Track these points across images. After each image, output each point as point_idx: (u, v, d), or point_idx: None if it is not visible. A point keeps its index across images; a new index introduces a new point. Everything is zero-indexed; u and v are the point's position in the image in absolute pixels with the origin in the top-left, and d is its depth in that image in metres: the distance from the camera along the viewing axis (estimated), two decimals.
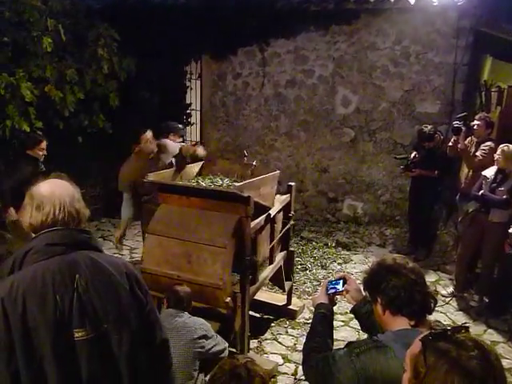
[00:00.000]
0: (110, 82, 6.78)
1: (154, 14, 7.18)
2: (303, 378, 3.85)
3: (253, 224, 3.69)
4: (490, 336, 4.65)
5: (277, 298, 5.03)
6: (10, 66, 5.53)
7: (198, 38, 7.43)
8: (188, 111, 8.13)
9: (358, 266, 6.14)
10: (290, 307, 4.90)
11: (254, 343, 4.35)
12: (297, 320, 4.83)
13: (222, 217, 3.62)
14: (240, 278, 3.77)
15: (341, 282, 2.29)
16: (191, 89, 8.22)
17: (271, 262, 4.37)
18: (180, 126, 6.00)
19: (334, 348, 2.06)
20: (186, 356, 3.12)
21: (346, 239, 6.93)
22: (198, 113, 8.43)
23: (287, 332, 4.64)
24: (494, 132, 5.68)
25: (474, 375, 1.21)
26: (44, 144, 5.19)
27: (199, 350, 3.18)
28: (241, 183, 3.72)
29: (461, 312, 5.07)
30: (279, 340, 4.49)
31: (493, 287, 5.07)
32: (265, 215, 3.98)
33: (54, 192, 1.73)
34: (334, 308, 2.30)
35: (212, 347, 3.29)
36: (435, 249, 6.44)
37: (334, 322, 2.30)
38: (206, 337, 3.25)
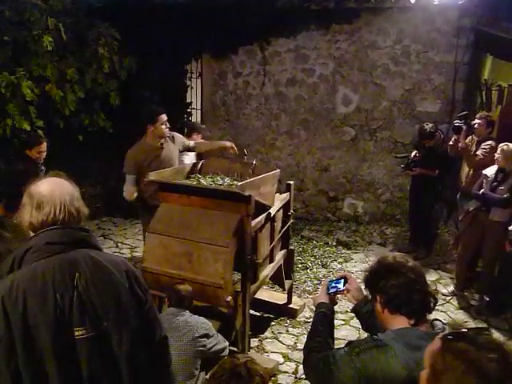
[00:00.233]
0: (110, 81, 6.78)
1: (154, 12, 7.17)
2: (303, 376, 3.86)
3: (253, 223, 3.70)
4: None
5: (277, 296, 5.03)
6: (10, 64, 5.53)
7: (199, 37, 7.42)
8: (188, 110, 8.12)
9: (358, 264, 6.14)
10: (291, 306, 4.90)
11: (254, 342, 4.35)
12: (297, 319, 4.83)
13: (223, 216, 3.62)
14: (241, 276, 3.77)
15: (342, 281, 2.29)
16: (192, 88, 8.22)
17: (271, 261, 4.37)
18: (203, 126, 6.10)
19: (335, 347, 2.06)
20: (187, 355, 3.12)
21: (346, 238, 6.93)
22: (199, 112, 8.43)
23: (288, 331, 4.64)
24: (494, 131, 5.68)
25: (490, 377, 1.20)
26: (44, 146, 5.07)
27: (201, 348, 3.19)
28: (242, 182, 3.71)
29: (461, 311, 5.07)
30: (280, 339, 4.50)
31: (493, 286, 5.07)
32: (265, 214, 3.98)
33: (54, 191, 1.73)
34: (335, 307, 2.31)
35: (213, 346, 3.29)
36: (436, 248, 6.45)
37: (335, 321, 2.31)
38: (207, 335, 3.26)
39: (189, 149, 5.14)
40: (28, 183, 1.77)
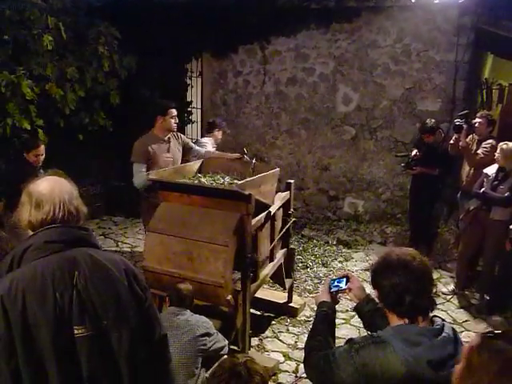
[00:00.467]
0: (110, 80, 6.78)
1: (154, 11, 7.16)
2: (304, 375, 3.86)
3: (253, 222, 3.70)
4: None
5: (277, 295, 5.03)
6: (10, 64, 5.52)
7: (199, 36, 7.42)
8: (189, 109, 8.12)
9: (358, 263, 6.14)
10: (291, 305, 4.90)
11: (254, 341, 4.35)
12: (297, 318, 4.83)
13: (223, 215, 3.63)
14: (241, 275, 3.77)
15: (344, 280, 2.29)
16: (192, 87, 8.22)
17: (272, 260, 4.37)
18: (224, 123, 6.23)
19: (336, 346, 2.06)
20: (188, 354, 3.12)
21: (346, 237, 6.93)
22: (199, 111, 8.43)
23: (288, 330, 4.64)
24: (495, 130, 5.67)
25: None
26: (41, 149, 4.84)
27: (202, 347, 3.19)
28: (242, 181, 3.72)
29: (461, 310, 5.07)
30: (280, 338, 4.50)
31: (494, 285, 5.07)
32: (265, 213, 3.98)
33: (54, 190, 1.73)
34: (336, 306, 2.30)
35: (213, 344, 3.29)
36: (436, 246, 6.44)
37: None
38: (208, 334, 3.26)
39: (198, 155, 5.13)
40: (26, 182, 1.76)
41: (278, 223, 4.46)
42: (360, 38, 7.05)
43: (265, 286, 4.94)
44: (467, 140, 5.41)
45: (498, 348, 1.25)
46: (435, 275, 5.79)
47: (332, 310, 2.18)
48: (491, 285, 5.09)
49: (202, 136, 8.43)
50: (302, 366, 4.05)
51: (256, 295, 4.26)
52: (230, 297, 3.56)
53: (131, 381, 1.69)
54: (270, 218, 4.15)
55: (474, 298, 5.30)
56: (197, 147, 5.26)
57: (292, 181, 4.74)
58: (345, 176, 7.58)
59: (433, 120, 6.02)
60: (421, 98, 6.91)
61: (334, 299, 2.27)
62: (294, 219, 4.80)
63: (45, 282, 1.59)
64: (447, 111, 6.73)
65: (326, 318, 2.13)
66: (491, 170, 4.91)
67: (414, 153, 6.11)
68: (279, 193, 4.56)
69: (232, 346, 3.75)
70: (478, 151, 5.26)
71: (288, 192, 4.62)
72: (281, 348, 4.34)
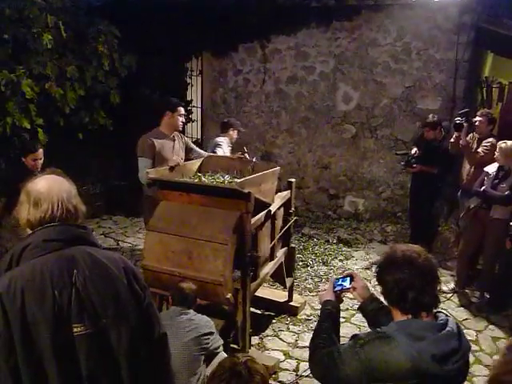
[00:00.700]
0: (110, 79, 6.77)
1: (154, 10, 7.16)
2: (304, 374, 3.87)
3: (253, 220, 3.70)
4: (490, 332, 4.65)
5: (278, 294, 5.03)
6: (10, 62, 5.51)
7: (199, 35, 7.41)
8: (189, 108, 8.12)
9: (359, 262, 6.14)
10: (291, 304, 4.90)
11: (255, 339, 4.35)
12: (298, 316, 4.83)
13: (222, 213, 3.62)
14: (241, 274, 3.77)
15: (348, 279, 2.30)
16: (192, 85, 8.21)
17: (272, 259, 4.37)
18: (238, 122, 6.19)
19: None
20: (191, 352, 3.12)
21: (347, 236, 6.93)
22: (199, 110, 8.42)
23: (288, 328, 4.64)
24: (495, 128, 5.67)
25: None
26: (39, 153, 4.60)
27: (205, 346, 3.20)
28: (242, 179, 3.72)
29: (462, 308, 5.07)
30: (280, 336, 4.50)
31: (494, 283, 5.07)
32: (265, 211, 3.98)
33: (52, 188, 1.72)
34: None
35: (214, 344, 3.30)
36: (436, 245, 6.44)
37: None
38: (211, 334, 3.27)
39: (198, 156, 5.09)
40: (25, 181, 1.76)
41: (279, 222, 4.46)
42: (360, 37, 7.04)
43: (265, 285, 4.94)
44: (467, 138, 5.40)
45: None
46: None
47: (336, 309, 2.19)
48: (491, 283, 5.10)
49: (202, 135, 8.47)
50: (302, 364, 4.06)
51: (256, 294, 4.26)
52: (229, 295, 3.56)
53: (131, 379, 1.69)
54: (271, 216, 4.15)
55: (474, 296, 5.30)
56: (197, 149, 5.24)
57: (293, 180, 4.73)
58: (345, 175, 7.58)
59: (436, 116, 6.02)
60: (421, 96, 6.91)
61: (338, 298, 2.28)
62: (295, 218, 4.80)
63: (44, 280, 1.59)
64: (447, 110, 6.73)
65: (330, 317, 2.14)
66: (492, 169, 4.91)
67: (413, 151, 6.11)
68: (279, 192, 4.56)
69: (232, 345, 3.76)
70: (479, 150, 5.25)
71: (289, 191, 4.62)
72: (281, 346, 4.34)
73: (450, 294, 5.27)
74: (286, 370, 4.01)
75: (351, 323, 4.69)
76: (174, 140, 4.92)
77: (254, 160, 4.67)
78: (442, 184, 6.11)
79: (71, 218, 1.73)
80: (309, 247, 6.54)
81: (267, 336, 4.49)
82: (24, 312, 1.55)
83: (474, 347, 4.20)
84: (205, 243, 3.55)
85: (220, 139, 5.78)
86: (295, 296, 5.01)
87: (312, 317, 4.80)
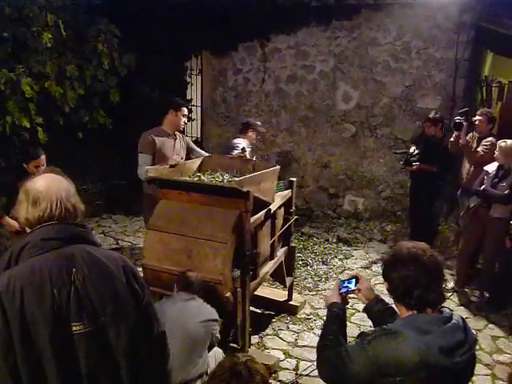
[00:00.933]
0: (110, 78, 6.77)
1: (154, 9, 7.16)
2: (304, 373, 3.87)
3: (253, 219, 3.69)
4: (490, 331, 4.65)
5: (278, 293, 5.03)
6: (9, 61, 5.51)
7: (199, 34, 7.41)
8: (189, 107, 8.12)
9: (358, 261, 6.14)
10: (291, 303, 4.89)
11: (254, 339, 4.34)
12: (298, 315, 4.82)
13: (222, 212, 3.62)
14: (241, 273, 3.76)
15: (353, 280, 2.31)
16: (192, 84, 8.21)
17: (272, 258, 4.36)
18: (259, 123, 6.07)
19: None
20: (201, 333, 3.12)
21: (346, 235, 6.94)
22: (199, 109, 8.42)
23: (288, 327, 4.63)
24: (495, 127, 5.67)
25: None
26: (42, 160, 4.37)
27: (213, 331, 3.22)
28: (241, 178, 3.71)
29: (461, 307, 5.06)
30: (280, 335, 4.49)
31: (493, 282, 5.07)
32: (265, 210, 3.97)
33: (50, 187, 1.72)
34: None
35: (217, 332, 3.31)
36: (436, 244, 6.43)
37: None
38: (216, 321, 3.28)
39: (199, 157, 5.08)
40: (24, 180, 1.76)
41: (279, 221, 4.45)
42: (360, 36, 7.04)
43: (265, 284, 4.94)
44: (467, 138, 5.40)
45: None
46: None
47: (342, 311, 2.22)
48: (491, 282, 5.10)
49: (202, 134, 8.47)
50: (302, 363, 4.06)
51: (256, 293, 4.25)
52: (229, 294, 3.56)
53: (130, 377, 1.69)
54: (271, 215, 4.15)
55: (473, 295, 5.30)
56: (198, 149, 5.24)
57: (294, 179, 4.73)
58: (345, 174, 7.58)
59: (438, 112, 6.01)
60: (421, 95, 6.90)
61: (344, 300, 2.29)
62: (296, 217, 4.80)
63: (42, 279, 1.59)
64: (447, 109, 6.73)
65: (336, 319, 2.16)
66: (491, 168, 4.91)
67: (412, 149, 6.11)
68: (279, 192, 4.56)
69: (232, 344, 3.75)
70: (478, 149, 5.25)
71: (290, 190, 4.62)
72: (281, 346, 4.34)
73: (450, 293, 5.26)
74: (286, 369, 4.01)
75: (351, 322, 4.68)
76: (176, 139, 4.93)
77: (254, 159, 4.66)
78: (441, 183, 6.10)
79: (70, 217, 1.73)
80: (308, 246, 6.54)
81: (267, 335, 4.49)
82: (23, 311, 1.55)
83: None
84: (204, 242, 3.55)
85: (237, 141, 5.59)
86: (295, 295, 5.01)
87: (312, 316, 4.80)
